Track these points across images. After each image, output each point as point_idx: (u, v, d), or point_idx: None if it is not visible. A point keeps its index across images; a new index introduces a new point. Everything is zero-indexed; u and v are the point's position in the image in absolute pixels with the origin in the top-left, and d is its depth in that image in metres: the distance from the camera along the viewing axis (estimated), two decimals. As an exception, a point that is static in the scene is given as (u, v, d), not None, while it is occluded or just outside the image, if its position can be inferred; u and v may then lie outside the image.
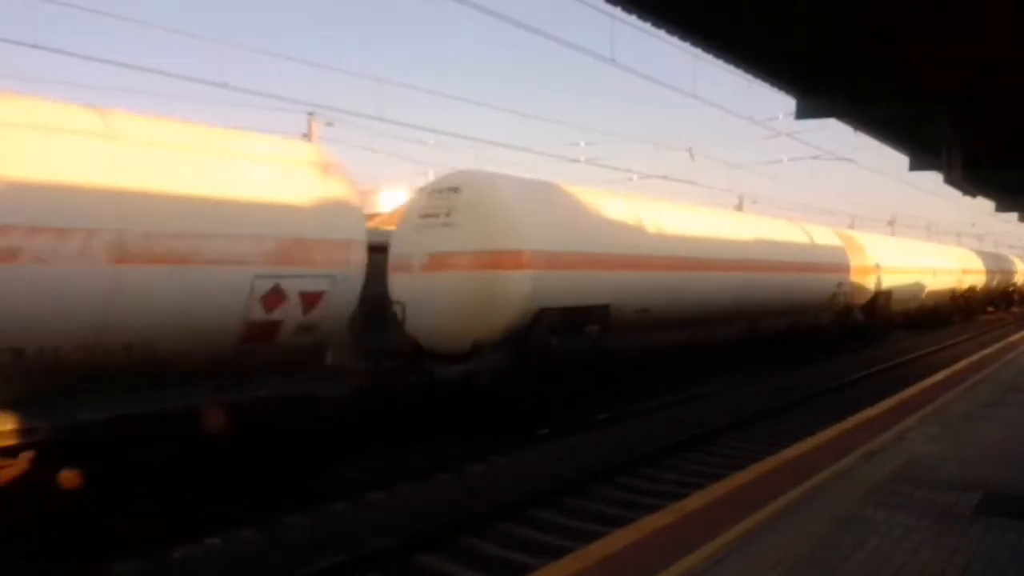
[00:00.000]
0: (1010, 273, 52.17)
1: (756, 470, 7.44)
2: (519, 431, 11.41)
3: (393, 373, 10.50)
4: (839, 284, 22.95)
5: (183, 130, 8.25)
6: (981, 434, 9.11)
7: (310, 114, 20.75)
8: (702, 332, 15.82)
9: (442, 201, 12.07)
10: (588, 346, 12.49)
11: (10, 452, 6.82)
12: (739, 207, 34.17)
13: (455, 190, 12.06)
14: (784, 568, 4.87)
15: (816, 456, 7.94)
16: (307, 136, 20.10)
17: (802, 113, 10.29)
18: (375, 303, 11.17)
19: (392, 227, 13.79)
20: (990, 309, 45.79)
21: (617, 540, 5.45)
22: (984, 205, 22.71)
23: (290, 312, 8.41)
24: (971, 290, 40.32)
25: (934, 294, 33.29)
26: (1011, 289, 52.88)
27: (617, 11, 7.07)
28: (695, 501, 6.40)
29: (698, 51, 8.38)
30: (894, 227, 55.61)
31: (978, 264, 42.81)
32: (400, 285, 12.15)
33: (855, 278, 24.24)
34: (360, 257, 9.21)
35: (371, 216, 17.89)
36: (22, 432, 6.81)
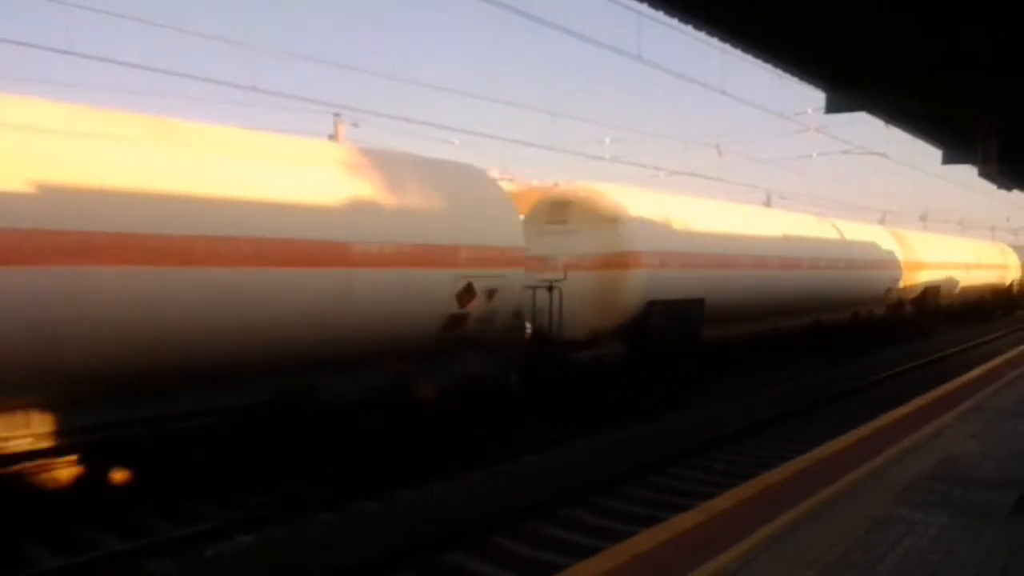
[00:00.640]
0: None
1: (788, 469, 7.36)
2: (635, 408, 13.39)
3: (545, 356, 12.28)
4: (893, 280, 24.85)
5: (407, 165, 10.47)
6: (1019, 431, 8.94)
7: (336, 115, 20.89)
8: (776, 323, 17.89)
9: (563, 210, 14.01)
10: (687, 334, 14.34)
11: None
12: (767, 203, 33.88)
13: (574, 201, 14.06)
14: (816, 569, 4.81)
15: (850, 454, 7.85)
16: (333, 137, 20.22)
17: (832, 107, 10.14)
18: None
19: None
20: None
21: (647, 539, 5.42)
22: (1020, 199, 22.52)
23: (477, 305, 10.38)
24: (1012, 285, 41.76)
25: (977, 288, 34.89)
26: None
27: (644, 7, 7.01)
28: (725, 500, 6.34)
29: (726, 46, 8.29)
30: (926, 222, 54.74)
31: (1016, 260, 43.69)
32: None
33: (906, 274, 25.95)
34: (522, 259, 11.23)
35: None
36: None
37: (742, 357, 17.21)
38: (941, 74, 9.27)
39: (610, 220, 13.57)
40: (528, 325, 12.22)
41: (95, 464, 7.57)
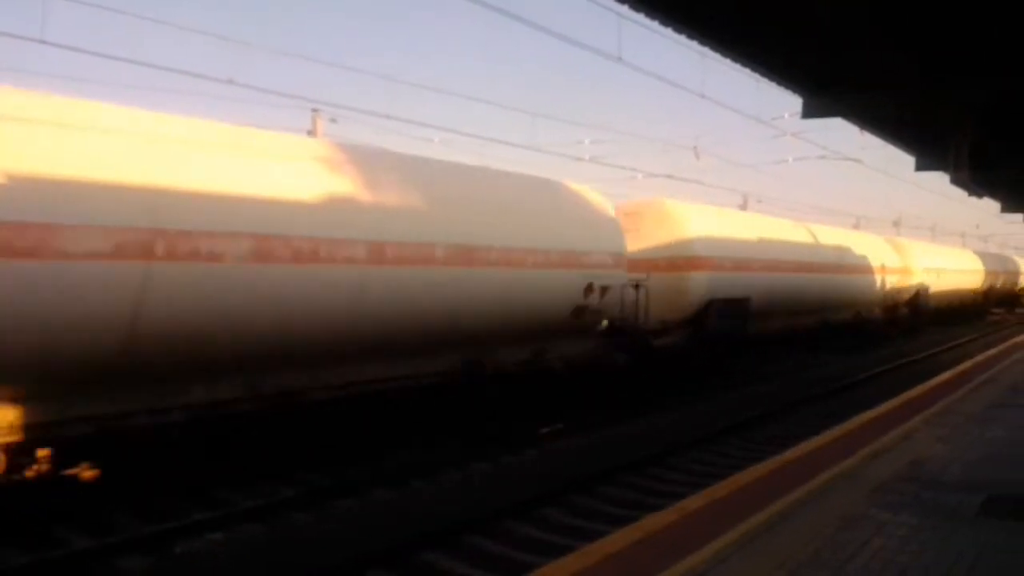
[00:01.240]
0: (1016, 274, 53.13)
1: (759, 470, 7.42)
2: (693, 387, 16.10)
3: (635, 341, 14.80)
4: (890, 284, 27.58)
5: (550, 187, 13.46)
6: (987, 435, 9.08)
7: (314, 111, 20.70)
8: (794, 321, 20.79)
9: (637, 220, 16.25)
10: (737, 327, 17.13)
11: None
12: (743, 207, 34.12)
13: (646, 213, 16.57)
14: (788, 568, 4.85)
15: (822, 455, 7.93)
16: (312, 133, 20.06)
17: (809, 112, 10.26)
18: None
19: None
20: (995, 311, 46.41)
21: (621, 538, 5.43)
22: (990, 206, 22.97)
23: (594, 299, 13.20)
24: (991, 289, 45.09)
25: (961, 292, 38.30)
26: (1017, 290, 53.52)
27: (624, 9, 7.04)
28: (698, 500, 6.38)
29: (706, 50, 8.35)
30: (899, 228, 55.38)
31: (994, 266, 46.58)
32: None
33: (901, 278, 28.73)
34: (624, 263, 14.08)
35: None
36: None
37: (773, 348, 20.33)
38: (914, 82, 9.41)
39: (677, 230, 16.38)
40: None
41: (62, 461, 7.46)
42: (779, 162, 62.16)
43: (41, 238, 6.79)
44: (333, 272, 9.12)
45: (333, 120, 21.04)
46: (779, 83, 9.71)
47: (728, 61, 8.63)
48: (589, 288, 12.94)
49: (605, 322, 14.19)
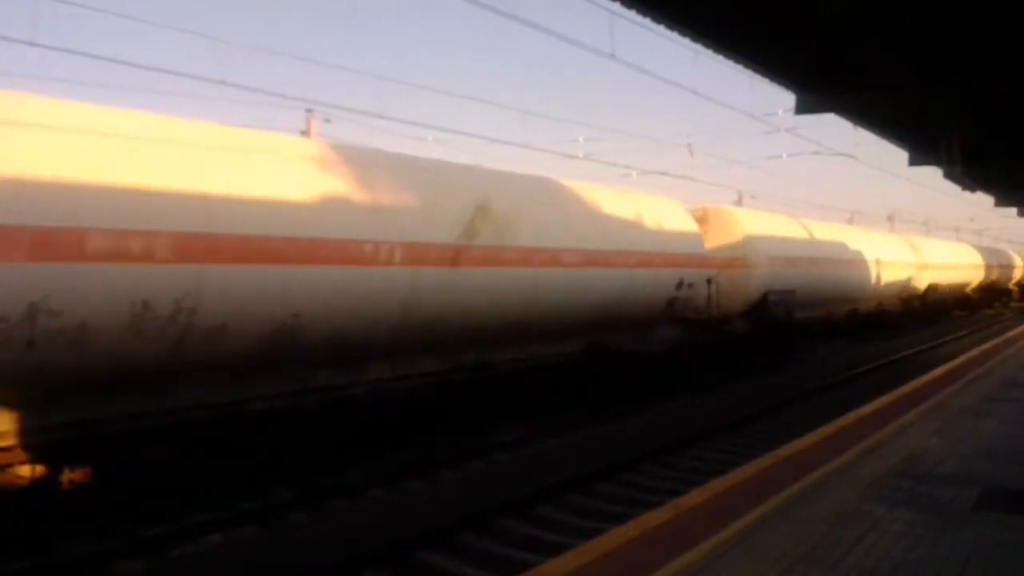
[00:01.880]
0: (1009, 268, 53.60)
1: (755, 466, 7.44)
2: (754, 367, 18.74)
3: (708, 329, 17.30)
4: (909, 278, 30.90)
5: (648, 200, 16.20)
6: (981, 429, 9.12)
7: (308, 111, 20.66)
8: (828, 310, 23.59)
9: (703, 223, 18.33)
10: (787, 316, 19.86)
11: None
12: (738, 203, 34.19)
13: (711, 218, 19.13)
14: (784, 564, 4.87)
15: (817, 451, 7.95)
16: (305, 133, 20.03)
17: (802, 108, 10.27)
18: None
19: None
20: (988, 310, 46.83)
21: (617, 536, 5.45)
22: (983, 200, 23.24)
23: (685, 294, 15.98)
24: (993, 283, 47.62)
25: (966, 286, 41.27)
26: (1012, 284, 53.99)
27: (616, 6, 7.04)
28: (695, 497, 6.40)
29: (698, 47, 8.35)
30: (893, 222, 55.53)
31: (994, 260, 48.41)
32: None
33: (917, 274, 31.77)
34: (703, 263, 16.71)
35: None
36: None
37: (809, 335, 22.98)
38: (909, 83, 9.42)
39: (739, 233, 19.11)
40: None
41: (57, 464, 7.46)
42: (773, 158, 62.29)
43: (359, 251, 9.40)
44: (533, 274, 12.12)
45: (328, 120, 21.01)
46: (772, 79, 9.72)
47: (721, 58, 8.64)
48: (680, 284, 15.67)
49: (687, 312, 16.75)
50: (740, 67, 9.13)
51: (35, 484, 7.33)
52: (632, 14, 7.26)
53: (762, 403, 14.51)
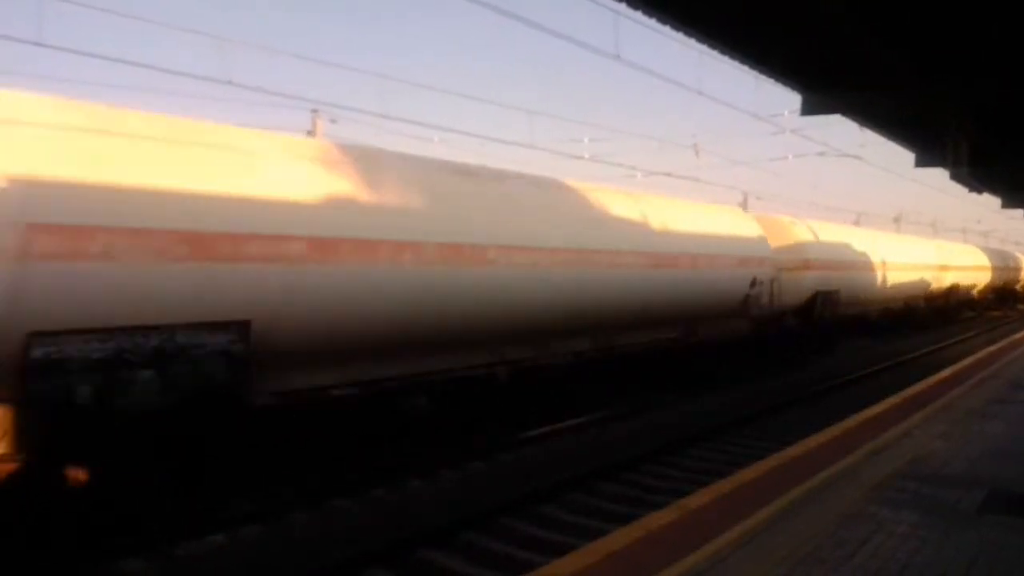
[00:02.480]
0: (1016, 270, 53.57)
1: (761, 467, 7.42)
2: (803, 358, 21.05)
3: (770, 323, 19.37)
4: (934, 279, 33.38)
5: (719, 210, 18.49)
6: (987, 431, 9.08)
7: (314, 111, 20.71)
8: (864, 309, 25.96)
9: (764, 231, 19.95)
10: (833, 313, 22.18)
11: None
12: (743, 204, 34.20)
13: (770, 226, 20.40)
14: (789, 565, 4.85)
15: (823, 453, 7.93)
16: (311, 133, 20.06)
17: (808, 109, 10.24)
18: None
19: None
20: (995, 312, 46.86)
21: (622, 537, 5.43)
22: (990, 201, 23.25)
23: (754, 290, 17.84)
24: (1005, 284, 49.58)
25: (980, 286, 43.17)
26: (1018, 286, 53.92)
27: (622, 7, 7.04)
28: (700, 498, 6.38)
29: (704, 47, 8.34)
30: (900, 224, 55.41)
31: (1001, 262, 49.18)
32: None
33: (938, 275, 34.00)
34: (769, 263, 18.58)
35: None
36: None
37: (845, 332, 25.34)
38: (911, 83, 9.40)
39: (794, 239, 21.19)
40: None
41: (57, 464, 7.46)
42: (779, 159, 62.28)
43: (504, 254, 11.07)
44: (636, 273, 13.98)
45: (333, 121, 21.05)
46: (777, 80, 9.70)
47: (726, 58, 8.62)
48: (753, 282, 17.68)
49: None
50: (745, 68, 9.12)
51: (34, 484, 7.33)
52: (637, 14, 7.26)
53: (819, 384, 17.16)
